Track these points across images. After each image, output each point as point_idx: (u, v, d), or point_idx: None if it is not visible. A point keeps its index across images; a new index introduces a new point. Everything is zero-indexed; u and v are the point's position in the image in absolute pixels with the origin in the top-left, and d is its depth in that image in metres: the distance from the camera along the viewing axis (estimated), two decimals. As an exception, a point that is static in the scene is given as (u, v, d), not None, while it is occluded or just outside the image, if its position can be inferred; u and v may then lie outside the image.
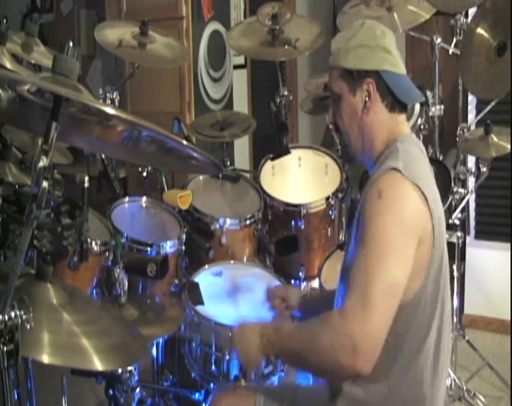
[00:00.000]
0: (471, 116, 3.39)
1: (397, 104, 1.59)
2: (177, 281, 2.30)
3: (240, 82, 4.36)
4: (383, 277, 1.38)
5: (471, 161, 3.23)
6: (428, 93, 2.72)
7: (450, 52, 2.80)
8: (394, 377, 1.48)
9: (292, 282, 2.62)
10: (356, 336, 1.33)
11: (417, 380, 1.50)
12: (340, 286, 1.60)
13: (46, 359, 1.22)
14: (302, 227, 2.54)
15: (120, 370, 1.79)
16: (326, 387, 1.61)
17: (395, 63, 1.58)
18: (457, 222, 2.76)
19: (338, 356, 1.36)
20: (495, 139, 2.62)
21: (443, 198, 2.57)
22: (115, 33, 2.51)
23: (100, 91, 2.50)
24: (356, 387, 1.51)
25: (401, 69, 1.60)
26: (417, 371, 1.50)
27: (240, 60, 4.31)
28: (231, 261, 2.37)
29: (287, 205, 2.58)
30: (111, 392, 1.85)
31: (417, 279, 1.45)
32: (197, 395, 2.09)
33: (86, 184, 1.80)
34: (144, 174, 2.59)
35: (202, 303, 2.04)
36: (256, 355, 1.56)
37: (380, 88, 1.57)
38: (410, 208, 1.44)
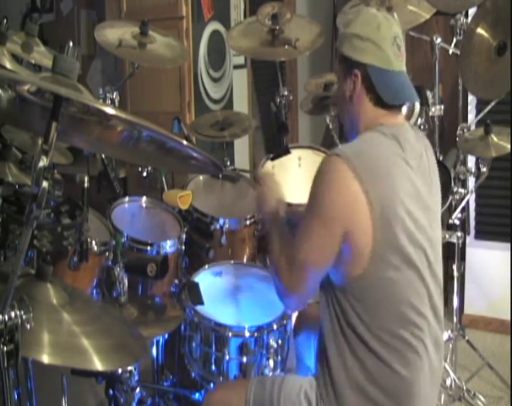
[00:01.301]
0: (471, 116, 3.39)
1: (382, 102, 1.61)
2: (176, 281, 2.29)
3: (240, 82, 4.35)
4: (298, 253, 1.59)
5: (471, 161, 3.23)
6: (428, 93, 2.72)
7: (450, 52, 2.80)
8: (362, 360, 1.54)
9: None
10: (284, 286, 1.64)
11: (387, 361, 1.53)
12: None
13: (46, 359, 1.22)
14: (302, 227, 2.54)
15: (120, 370, 1.80)
16: (310, 377, 1.68)
17: (385, 60, 1.58)
18: (457, 222, 2.76)
19: (276, 288, 1.69)
20: (495, 139, 2.62)
21: (443, 198, 2.58)
22: (115, 33, 2.50)
23: (100, 91, 2.50)
24: (336, 374, 1.58)
25: (393, 66, 1.59)
26: (387, 352, 1.52)
27: (240, 60, 4.31)
28: (231, 261, 2.37)
29: (287, 205, 2.57)
30: (111, 392, 1.85)
31: (357, 266, 1.50)
32: (197, 395, 2.09)
33: (86, 184, 1.81)
34: (144, 174, 2.58)
35: (202, 303, 2.04)
36: (266, 211, 1.87)
37: (365, 82, 1.60)
38: (335, 198, 1.51)
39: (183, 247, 2.32)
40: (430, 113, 2.73)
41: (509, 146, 2.60)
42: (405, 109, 1.69)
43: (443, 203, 2.58)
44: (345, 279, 1.55)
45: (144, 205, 2.44)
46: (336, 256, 1.54)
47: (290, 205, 1.95)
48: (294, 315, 2.13)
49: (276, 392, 1.66)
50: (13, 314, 1.14)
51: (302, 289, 1.63)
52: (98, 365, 1.30)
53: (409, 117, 2.63)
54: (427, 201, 1.61)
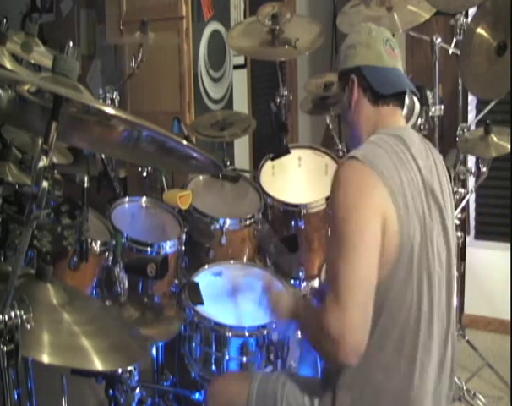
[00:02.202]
0: (471, 116, 3.39)
1: (378, 96, 1.64)
2: (176, 281, 2.29)
3: (240, 82, 4.35)
4: (349, 270, 1.42)
5: (471, 161, 3.23)
6: (428, 93, 2.72)
7: (450, 52, 2.80)
8: (366, 365, 1.48)
9: (292, 282, 2.62)
10: (336, 334, 1.39)
11: (386, 371, 1.50)
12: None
13: (46, 359, 1.22)
14: (302, 227, 2.54)
15: (120, 370, 1.79)
16: (316, 378, 1.68)
17: (377, 57, 1.64)
18: (457, 222, 2.76)
19: (325, 352, 1.48)
20: (495, 139, 2.62)
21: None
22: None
23: (100, 91, 2.50)
24: (341, 377, 1.53)
25: (386, 63, 1.65)
26: (386, 362, 1.50)
27: (240, 60, 4.31)
28: (231, 261, 2.37)
29: (287, 205, 2.58)
30: (111, 392, 1.85)
31: (385, 266, 1.47)
32: (197, 395, 2.09)
33: (86, 184, 1.80)
34: (144, 174, 2.59)
35: (202, 303, 2.04)
36: (283, 313, 1.71)
37: (361, 83, 1.65)
38: (367, 194, 1.47)
39: (183, 247, 2.32)
40: (430, 113, 2.73)
41: (509, 146, 2.60)
42: (405, 110, 1.70)
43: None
44: None
45: (144, 205, 2.44)
46: None
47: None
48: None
49: (280, 389, 1.64)
50: (13, 314, 1.14)
51: (361, 322, 1.41)
52: (98, 365, 1.30)
53: (409, 117, 2.63)
54: (439, 200, 1.60)
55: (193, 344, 2.09)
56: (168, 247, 2.25)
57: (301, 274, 2.60)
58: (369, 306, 1.42)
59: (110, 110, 1.15)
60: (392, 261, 1.47)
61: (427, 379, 1.54)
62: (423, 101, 2.66)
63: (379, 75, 1.64)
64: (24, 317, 1.16)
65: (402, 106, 1.69)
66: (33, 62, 2.32)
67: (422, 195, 1.55)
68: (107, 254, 2.03)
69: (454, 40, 2.76)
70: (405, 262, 1.48)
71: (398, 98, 1.67)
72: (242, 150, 4.32)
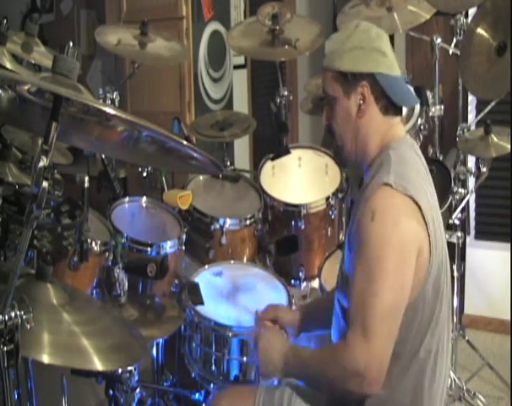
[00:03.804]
0: (471, 116, 3.39)
1: (391, 107, 1.57)
2: (176, 281, 2.29)
3: (240, 82, 4.35)
4: (380, 304, 1.38)
5: (471, 161, 3.23)
6: (428, 93, 2.72)
7: (450, 52, 2.80)
8: (393, 382, 1.46)
9: (292, 282, 2.62)
10: (361, 366, 1.37)
11: (415, 384, 1.49)
12: (338, 293, 1.59)
13: (46, 359, 1.22)
14: (302, 227, 2.54)
15: (120, 370, 1.79)
16: (321, 393, 1.61)
17: (390, 66, 1.56)
18: (457, 222, 2.76)
19: (347, 385, 1.41)
20: (495, 139, 2.62)
21: (444, 198, 2.59)
22: (115, 35, 2.51)
23: (100, 91, 2.50)
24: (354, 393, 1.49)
25: (396, 71, 1.58)
26: (415, 376, 1.49)
27: (240, 60, 4.31)
28: (231, 261, 2.37)
29: (287, 205, 2.58)
30: (111, 392, 1.85)
31: (416, 288, 1.44)
32: (197, 395, 2.09)
33: (86, 184, 1.81)
34: (144, 174, 2.59)
35: (202, 303, 2.04)
36: (275, 373, 1.62)
37: (375, 91, 1.55)
38: (404, 227, 1.42)
39: (183, 247, 2.32)
40: (430, 113, 2.73)
41: (509, 146, 2.60)
42: (405, 110, 1.69)
43: (444, 203, 2.58)
44: None
45: (144, 205, 2.44)
46: None
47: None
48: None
49: (286, 404, 1.61)
50: (13, 314, 1.14)
51: (387, 352, 1.39)
52: (98, 365, 1.30)
53: (409, 117, 2.63)
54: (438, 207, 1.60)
55: (193, 344, 2.09)
56: (168, 247, 2.25)
57: (301, 274, 2.60)
58: (395, 334, 1.41)
59: (110, 110, 1.16)
60: (422, 283, 1.45)
61: (438, 388, 1.54)
62: (423, 101, 2.66)
63: (394, 86, 1.56)
64: (24, 317, 1.16)
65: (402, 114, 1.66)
66: (33, 62, 2.32)
67: (437, 207, 1.54)
68: (107, 254, 2.03)
69: (454, 40, 2.76)
70: (432, 282, 1.47)
71: (401, 110, 1.63)
72: (242, 150, 4.32)
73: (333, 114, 1.62)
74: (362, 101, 1.55)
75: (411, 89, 1.66)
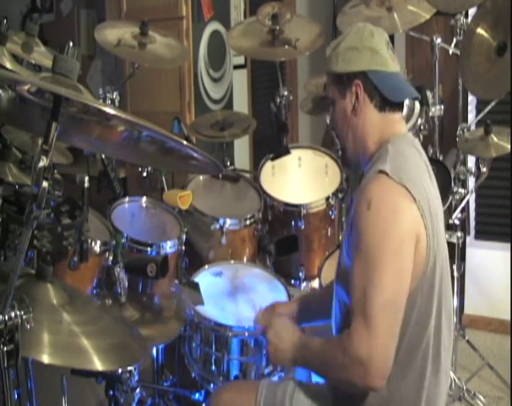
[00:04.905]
0: (471, 116, 3.38)
1: (387, 103, 1.58)
2: (176, 281, 2.29)
3: (240, 82, 4.35)
4: (380, 294, 1.38)
5: (471, 161, 3.23)
6: (428, 93, 2.72)
7: (450, 52, 2.80)
8: (394, 378, 1.46)
9: (292, 282, 2.62)
10: (365, 357, 1.37)
11: (416, 380, 1.49)
12: (337, 286, 1.60)
13: (46, 359, 1.22)
14: (302, 227, 2.55)
15: (120, 370, 1.79)
16: (326, 387, 1.62)
17: (383, 62, 1.57)
18: (457, 222, 2.76)
19: (351, 377, 1.41)
20: (495, 139, 2.62)
21: (443, 198, 2.58)
22: (115, 33, 2.51)
23: (100, 91, 2.50)
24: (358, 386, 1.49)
25: (391, 68, 1.59)
26: (416, 371, 1.49)
27: (240, 60, 4.31)
28: (231, 261, 2.37)
29: (287, 205, 2.58)
30: (111, 392, 1.85)
31: (414, 280, 1.45)
32: (197, 395, 2.09)
33: (86, 184, 1.80)
34: (144, 174, 2.59)
35: (202, 303, 2.04)
36: (284, 362, 1.67)
37: (368, 88, 1.57)
38: (400, 215, 1.43)
39: (183, 247, 2.32)
40: (430, 113, 2.73)
41: (509, 146, 2.60)
42: (405, 110, 1.69)
43: (444, 203, 2.58)
44: None
45: (144, 205, 2.44)
46: None
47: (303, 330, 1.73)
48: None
49: (288, 400, 1.61)
50: (13, 314, 1.14)
51: (391, 343, 1.40)
52: (98, 365, 1.30)
53: (409, 117, 2.63)
54: (441, 204, 1.61)
55: (193, 344, 2.09)
56: (168, 247, 2.25)
57: (301, 274, 2.60)
58: (398, 326, 1.41)
59: (110, 110, 1.16)
60: (420, 275, 1.45)
61: (439, 385, 1.54)
62: (423, 101, 2.67)
63: (388, 81, 1.57)
64: (24, 317, 1.16)
65: (403, 111, 1.66)
66: (33, 62, 2.32)
67: (437, 204, 1.55)
68: (107, 254, 2.03)
69: (454, 40, 2.76)
70: (429, 274, 1.47)
71: (402, 104, 1.64)
72: (242, 150, 4.32)
73: (334, 116, 1.65)
74: (356, 99, 1.58)
75: (408, 83, 1.65)
